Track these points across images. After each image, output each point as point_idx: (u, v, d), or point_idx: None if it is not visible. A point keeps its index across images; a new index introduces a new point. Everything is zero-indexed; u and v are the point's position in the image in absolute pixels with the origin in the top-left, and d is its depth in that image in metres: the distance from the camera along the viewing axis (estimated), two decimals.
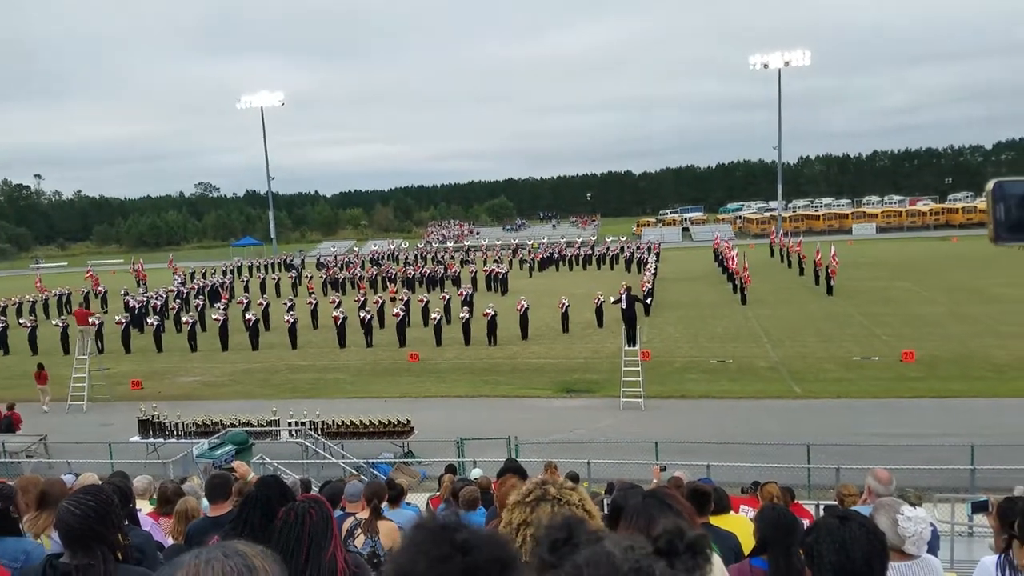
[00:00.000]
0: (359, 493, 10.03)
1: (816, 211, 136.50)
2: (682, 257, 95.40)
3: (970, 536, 17.09)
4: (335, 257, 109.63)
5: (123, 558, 4.71)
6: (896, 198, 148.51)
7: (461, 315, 47.57)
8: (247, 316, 50.06)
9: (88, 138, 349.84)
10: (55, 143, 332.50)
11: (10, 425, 30.34)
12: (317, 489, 13.20)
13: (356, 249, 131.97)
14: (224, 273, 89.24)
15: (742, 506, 12.00)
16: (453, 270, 78.12)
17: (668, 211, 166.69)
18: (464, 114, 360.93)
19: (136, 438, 28.61)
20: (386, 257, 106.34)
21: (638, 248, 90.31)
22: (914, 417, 27.95)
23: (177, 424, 28.28)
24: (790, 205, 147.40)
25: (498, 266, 74.83)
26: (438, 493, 16.23)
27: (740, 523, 8.61)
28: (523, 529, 3.21)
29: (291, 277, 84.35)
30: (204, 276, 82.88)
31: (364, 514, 9.17)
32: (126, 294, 65.78)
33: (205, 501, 9.31)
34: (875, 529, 4.11)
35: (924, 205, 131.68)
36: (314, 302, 56.38)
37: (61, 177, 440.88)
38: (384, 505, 10.12)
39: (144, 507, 11.21)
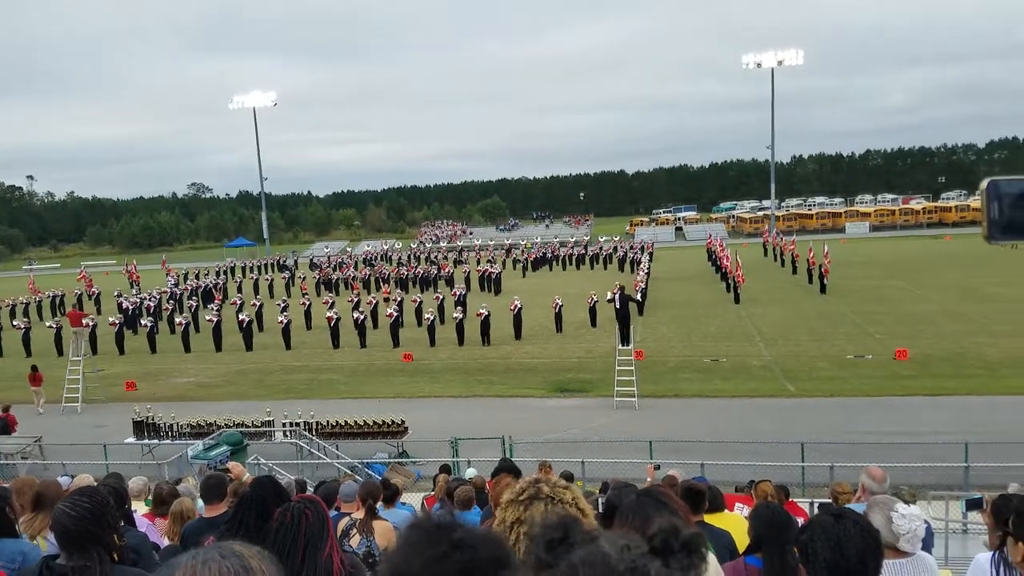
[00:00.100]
0: (354, 493, 10.02)
1: (809, 210, 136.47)
2: (675, 256, 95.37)
3: (964, 533, 17.13)
4: (328, 258, 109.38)
5: (119, 559, 4.72)
6: (889, 197, 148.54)
7: (454, 315, 47.59)
8: (241, 317, 50.08)
9: (80, 139, 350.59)
10: (47, 144, 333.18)
11: (5, 427, 30.25)
12: (312, 489, 13.21)
13: (349, 249, 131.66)
14: (217, 274, 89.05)
15: (737, 504, 12.02)
16: (446, 270, 78.08)
17: (661, 210, 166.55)
18: (457, 114, 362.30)
19: (131, 439, 28.58)
20: (379, 257, 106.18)
21: (631, 248, 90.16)
22: (907, 415, 28.01)
23: (172, 425, 28.25)
24: (783, 204, 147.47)
25: (491, 266, 74.81)
26: (433, 493, 16.24)
27: (735, 521, 8.61)
28: (516, 527, 3.20)
29: (284, 278, 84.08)
30: (197, 277, 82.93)
31: (359, 514, 9.16)
32: (119, 295, 65.52)
33: (200, 502, 9.31)
34: (869, 527, 4.11)
35: (917, 204, 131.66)
36: (307, 303, 56.17)
37: (53, 178, 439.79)
38: (379, 505, 10.11)
39: (140, 508, 11.21)
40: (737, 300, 55.36)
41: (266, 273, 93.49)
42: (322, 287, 74.55)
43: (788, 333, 43.78)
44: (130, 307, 59.97)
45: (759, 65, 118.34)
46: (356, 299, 54.54)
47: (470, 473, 18.30)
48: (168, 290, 70.87)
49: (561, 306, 48.44)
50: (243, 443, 25.16)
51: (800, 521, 6.17)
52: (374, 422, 27.54)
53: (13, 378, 41.94)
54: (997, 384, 31.63)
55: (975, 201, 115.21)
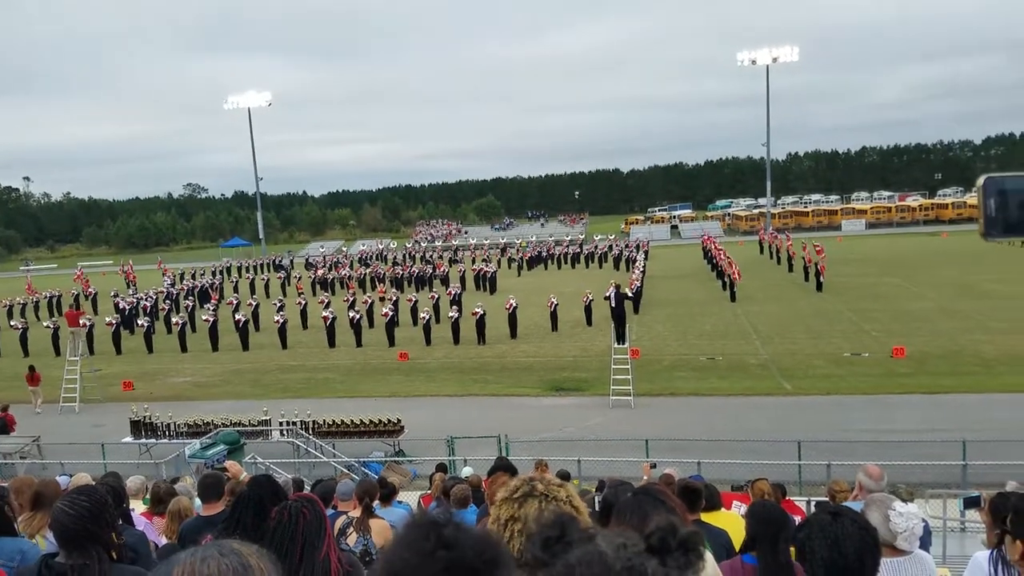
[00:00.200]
0: (351, 492, 10.02)
1: (805, 208, 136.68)
2: (671, 255, 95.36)
3: (962, 532, 17.14)
4: (324, 257, 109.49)
5: (118, 557, 4.73)
6: (885, 194, 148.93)
7: (450, 314, 47.53)
8: (237, 317, 50.05)
9: (76, 139, 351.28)
10: (43, 144, 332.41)
11: (4, 426, 30.29)
12: (309, 488, 13.22)
13: (344, 249, 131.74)
14: (213, 274, 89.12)
15: (735, 502, 12.03)
16: (441, 269, 77.95)
17: (656, 209, 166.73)
18: (452, 114, 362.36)
19: (128, 439, 28.58)
20: (374, 257, 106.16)
21: (627, 246, 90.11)
22: (904, 413, 28.00)
23: (169, 425, 28.27)
24: (779, 202, 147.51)
25: (486, 265, 74.76)
26: (429, 492, 16.24)
27: (731, 520, 8.62)
28: (511, 525, 3.21)
29: (280, 277, 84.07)
30: (194, 277, 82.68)
31: (356, 512, 9.16)
32: (116, 295, 65.67)
33: (198, 501, 9.32)
34: (867, 525, 4.12)
35: (913, 201, 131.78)
36: (303, 302, 56.20)
37: (49, 179, 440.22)
38: (376, 504, 10.12)
39: (138, 507, 11.22)
40: (733, 298, 55.32)
41: (262, 273, 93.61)
42: (318, 287, 74.39)
43: (784, 331, 43.78)
44: (127, 307, 60.01)
45: (754, 62, 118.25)
46: (352, 298, 54.59)
47: (466, 472, 18.33)
48: (164, 290, 70.78)
49: (556, 305, 48.37)
50: (240, 442, 25.16)
51: (797, 519, 6.18)
52: (370, 421, 27.56)
53: (11, 378, 41.91)
54: (994, 382, 31.63)
55: (972, 198, 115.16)
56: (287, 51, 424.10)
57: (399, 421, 27.54)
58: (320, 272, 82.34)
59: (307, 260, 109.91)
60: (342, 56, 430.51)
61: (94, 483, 7.97)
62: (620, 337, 35.03)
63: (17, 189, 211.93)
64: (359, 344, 46.95)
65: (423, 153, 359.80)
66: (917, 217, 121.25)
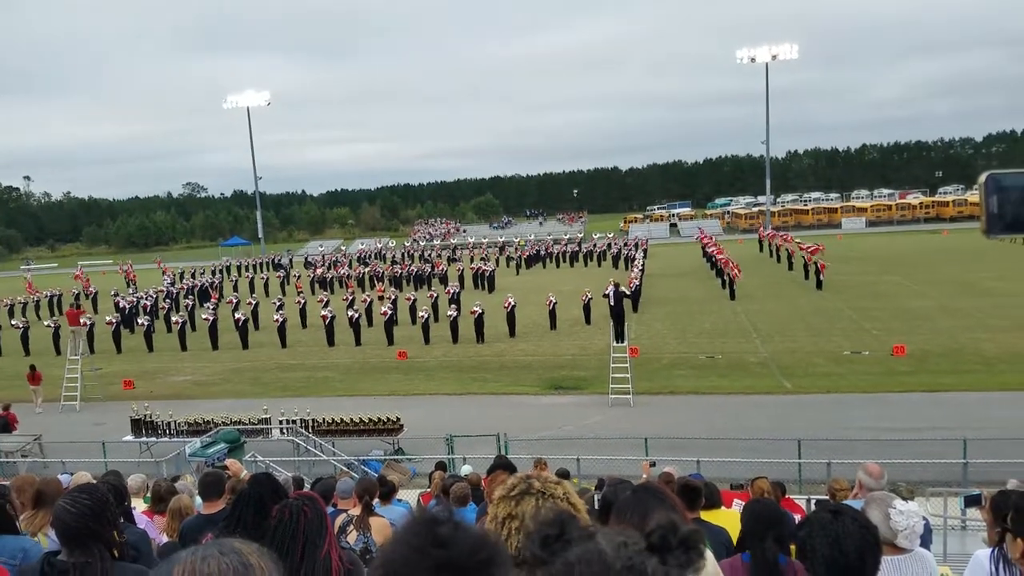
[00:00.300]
0: (351, 490, 10.04)
1: (805, 205, 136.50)
2: (670, 253, 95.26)
3: (963, 530, 17.14)
4: (323, 256, 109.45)
5: (119, 556, 4.74)
6: (886, 192, 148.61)
7: (448, 313, 47.58)
8: (236, 316, 50.10)
9: (76, 139, 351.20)
10: (43, 144, 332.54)
11: (6, 425, 30.36)
12: (309, 486, 13.22)
13: (343, 248, 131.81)
14: (213, 273, 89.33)
15: (735, 501, 12.03)
16: (440, 268, 77.99)
17: (655, 207, 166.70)
18: (450, 113, 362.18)
19: (129, 437, 28.59)
20: (373, 256, 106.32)
21: (625, 244, 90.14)
22: (905, 411, 27.96)
23: (169, 423, 28.27)
24: (779, 200, 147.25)
25: (485, 264, 74.89)
26: (428, 490, 16.25)
27: (731, 518, 8.61)
28: (508, 523, 3.21)
29: (279, 276, 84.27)
30: (193, 276, 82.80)
31: (356, 511, 9.18)
32: (116, 294, 65.77)
33: (199, 499, 9.33)
34: (868, 523, 4.11)
35: (914, 198, 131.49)
36: (303, 301, 56.30)
37: (49, 179, 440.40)
38: (376, 502, 10.14)
39: (138, 505, 11.23)
40: (733, 296, 55.31)
41: (261, 272, 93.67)
42: (317, 286, 74.43)
43: (784, 329, 43.77)
44: (127, 306, 60.04)
45: (753, 60, 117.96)
46: (351, 297, 54.68)
47: (465, 470, 18.36)
48: (164, 289, 70.91)
49: (555, 303, 48.37)
50: (240, 440, 25.21)
51: (796, 518, 6.18)
52: (369, 420, 27.56)
53: (12, 377, 41.95)
54: (995, 380, 31.61)
55: (973, 195, 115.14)
56: (286, 51, 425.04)
57: (398, 419, 27.56)
58: (319, 271, 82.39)
59: (306, 259, 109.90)
60: (341, 55, 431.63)
61: (95, 481, 7.97)
62: (619, 335, 35.04)
63: (17, 189, 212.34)
64: (358, 343, 46.98)
65: (421, 152, 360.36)
66: (918, 215, 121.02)
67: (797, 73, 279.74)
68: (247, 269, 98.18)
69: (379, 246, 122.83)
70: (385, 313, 47.99)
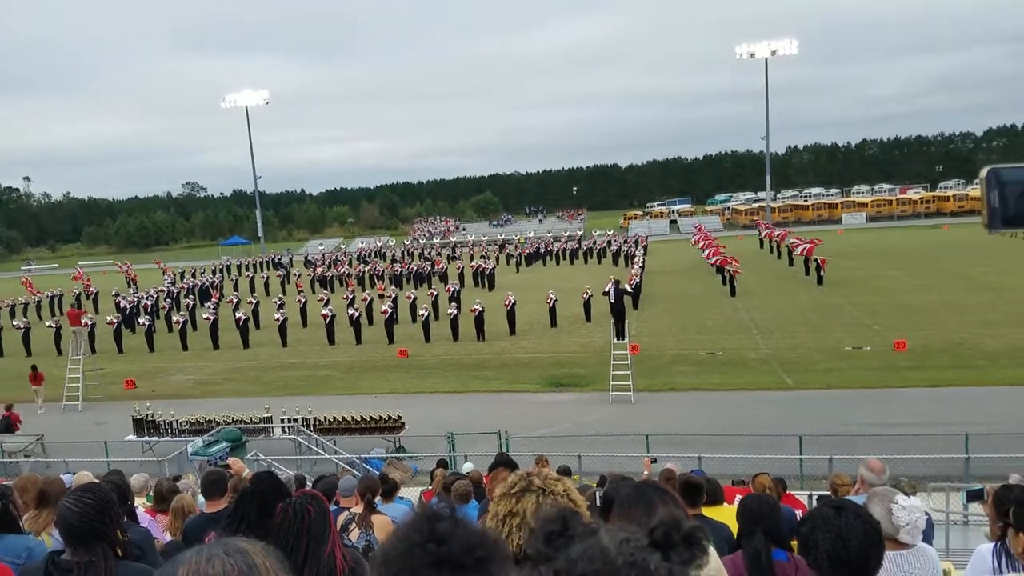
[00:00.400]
0: (353, 488, 10.04)
1: (805, 201, 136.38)
2: (670, 250, 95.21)
3: (965, 525, 17.10)
4: (323, 255, 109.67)
5: (123, 555, 4.75)
6: (886, 187, 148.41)
7: (449, 311, 47.62)
8: (237, 315, 50.14)
9: (76, 140, 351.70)
10: (43, 145, 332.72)
11: (8, 425, 30.51)
12: (311, 484, 13.23)
13: (343, 247, 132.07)
14: (214, 272, 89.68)
15: (738, 496, 12.03)
16: (440, 266, 77.98)
17: (655, 204, 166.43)
18: (449, 110, 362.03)
19: (131, 437, 28.60)
20: (373, 254, 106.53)
21: (625, 241, 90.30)
22: (906, 407, 27.87)
23: (171, 423, 28.27)
24: (779, 195, 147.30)
25: (485, 262, 74.86)
26: (430, 487, 16.26)
27: (733, 514, 8.61)
28: (509, 520, 3.22)
29: (279, 276, 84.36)
30: (194, 276, 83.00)
31: (358, 508, 9.19)
32: (117, 294, 65.90)
33: (201, 498, 9.34)
34: (871, 518, 4.11)
35: (915, 193, 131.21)
36: (303, 300, 56.34)
37: (49, 179, 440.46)
38: (378, 500, 10.14)
39: (141, 505, 11.24)
40: (733, 293, 55.27)
41: (262, 271, 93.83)
42: (317, 284, 74.49)
43: (785, 325, 43.71)
44: (128, 306, 60.08)
45: (752, 56, 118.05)
46: (351, 296, 54.65)
47: (467, 468, 18.34)
48: (165, 289, 71.06)
49: (555, 301, 48.35)
50: (242, 439, 25.20)
51: (798, 514, 6.19)
52: (371, 418, 27.57)
53: (14, 377, 41.99)
54: (997, 375, 31.52)
55: (973, 190, 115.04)
56: (284, 50, 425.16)
57: (399, 418, 27.56)
58: (319, 270, 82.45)
59: (306, 258, 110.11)
60: (339, 54, 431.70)
61: (97, 481, 7.99)
62: (619, 333, 35.00)
63: (17, 189, 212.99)
64: (359, 341, 47.00)
65: (420, 150, 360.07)
66: (918, 210, 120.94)
67: (797, 69, 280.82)
68: (247, 268, 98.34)
69: (379, 245, 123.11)
70: (385, 312, 48.02)
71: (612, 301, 36.15)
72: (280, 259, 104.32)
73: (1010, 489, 6.07)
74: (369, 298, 55.25)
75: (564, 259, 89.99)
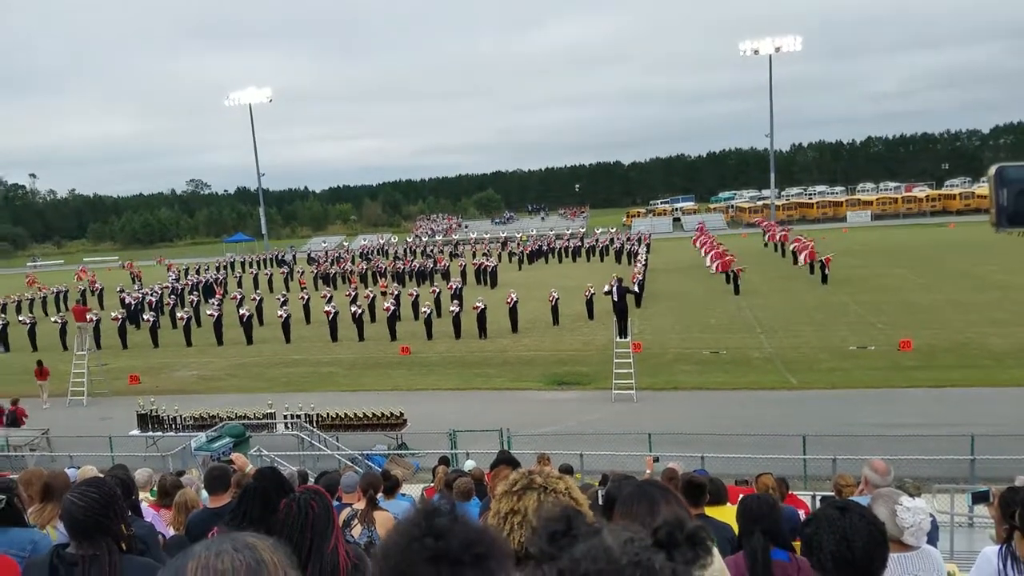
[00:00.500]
0: (355, 484, 10.04)
1: (810, 199, 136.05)
2: (673, 247, 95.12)
3: (971, 527, 17.06)
4: (326, 252, 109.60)
5: (127, 548, 4.78)
6: (891, 185, 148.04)
7: (451, 308, 47.66)
8: (241, 311, 50.24)
9: (81, 137, 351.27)
10: (49, 143, 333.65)
11: (14, 420, 30.82)
12: (313, 480, 13.24)
13: (346, 244, 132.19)
14: (217, 269, 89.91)
15: (741, 496, 12.02)
16: (442, 264, 78.12)
17: (658, 201, 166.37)
18: (452, 108, 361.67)
19: (135, 432, 28.72)
20: (376, 252, 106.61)
21: (628, 239, 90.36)
22: (911, 407, 27.78)
23: (175, 418, 28.37)
24: (783, 193, 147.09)
25: (487, 259, 74.83)
26: (432, 484, 16.27)
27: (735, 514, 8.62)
28: (510, 518, 3.22)
29: (283, 272, 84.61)
30: (198, 272, 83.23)
31: (360, 505, 9.19)
32: (122, 291, 66.24)
33: (204, 493, 9.35)
34: (875, 520, 4.11)
35: (920, 192, 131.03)
36: (306, 297, 56.43)
37: (55, 176, 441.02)
38: (380, 496, 10.14)
39: (144, 499, 11.25)
40: (737, 291, 55.18)
41: (265, 268, 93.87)
42: (320, 281, 74.73)
43: (789, 324, 43.62)
44: (132, 302, 60.37)
45: (756, 52, 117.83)
46: (354, 293, 54.85)
47: (468, 465, 18.36)
48: (169, 285, 71.34)
49: (557, 299, 48.35)
50: (245, 435, 25.21)
51: (801, 514, 6.20)
52: (373, 414, 27.60)
53: (20, 372, 42.06)
54: (1003, 375, 31.31)
55: (980, 188, 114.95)
56: (287, 48, 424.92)
57: (402, 414, 27.59)
58: (322, 267, 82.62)
59: (309, 255, 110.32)
60: (342, 52, 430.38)
61: (101, 475, 8.01)
62: (622, 331, 34.97)
63: (23, 186, 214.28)
64: (361, 338, 47.04)
65: (423, 148, 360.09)
66: (924, 208, 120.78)
67: (801, 66, 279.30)
68: (251, 265, 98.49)
69: (381, 242, 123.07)
70: (388, 309, 48.09)
71: (615, 299, 36.11)
72: (283, 256, 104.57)
73: (1016, 491, 6.05)
74: (372, 295, 55.22)
75: (567, 257, 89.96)
